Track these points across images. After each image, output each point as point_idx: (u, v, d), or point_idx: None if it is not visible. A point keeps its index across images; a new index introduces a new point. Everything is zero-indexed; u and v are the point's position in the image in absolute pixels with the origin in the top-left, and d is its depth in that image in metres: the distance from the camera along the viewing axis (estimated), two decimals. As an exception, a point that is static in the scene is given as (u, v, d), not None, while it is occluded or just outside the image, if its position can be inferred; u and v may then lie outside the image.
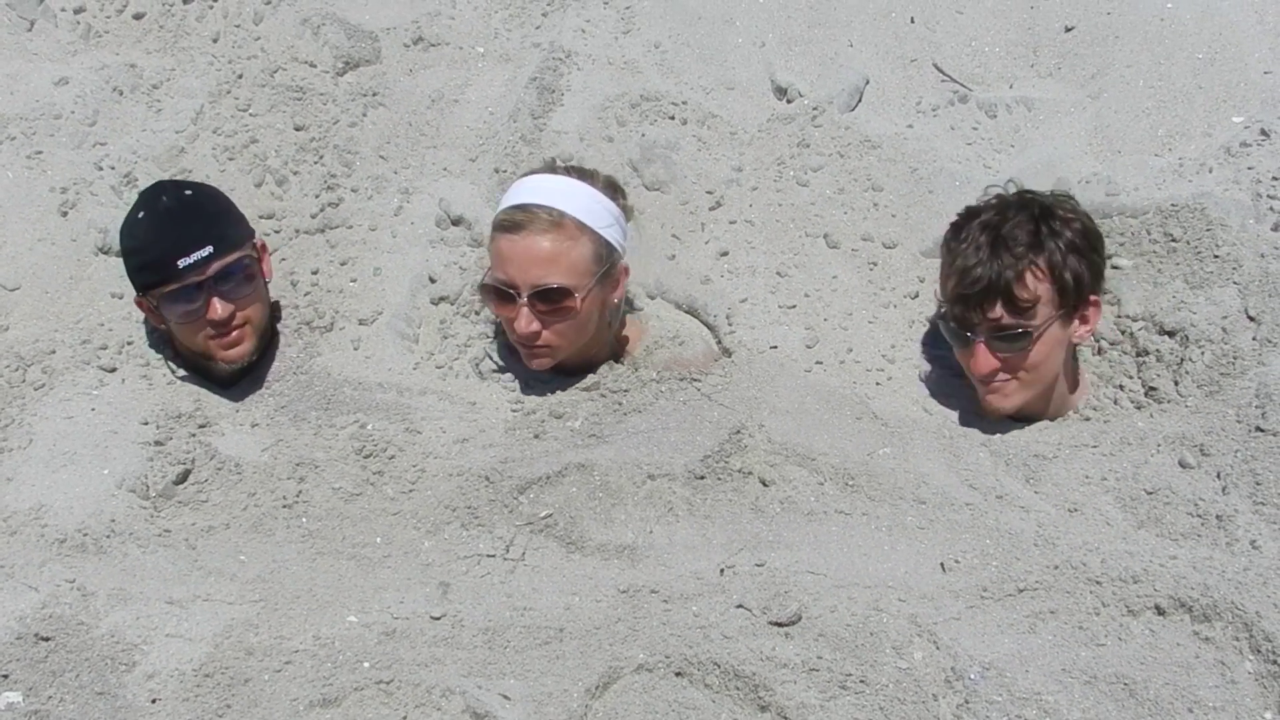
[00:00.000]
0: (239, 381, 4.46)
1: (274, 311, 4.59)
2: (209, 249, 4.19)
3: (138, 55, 5.30)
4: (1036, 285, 4.09)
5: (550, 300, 4.21)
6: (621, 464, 3.86)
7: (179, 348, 4.45)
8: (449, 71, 5.35)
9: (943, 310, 4.27)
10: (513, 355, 4.51)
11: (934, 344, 4.55)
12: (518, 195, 4.29)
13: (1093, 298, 4.22)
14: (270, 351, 4.53)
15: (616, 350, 4.51)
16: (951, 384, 4.48)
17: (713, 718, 3.14)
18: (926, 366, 4.52)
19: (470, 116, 5.19)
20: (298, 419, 4.28)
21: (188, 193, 4.32)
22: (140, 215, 4.28)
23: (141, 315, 4.51)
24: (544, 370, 4.39)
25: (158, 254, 4.21)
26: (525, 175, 4.44)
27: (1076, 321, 4.22)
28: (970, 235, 4.15)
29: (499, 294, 4.26)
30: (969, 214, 4.27)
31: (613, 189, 4.41)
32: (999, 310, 4.09)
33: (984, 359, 4.15)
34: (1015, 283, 4.07)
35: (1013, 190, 4.40)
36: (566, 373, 4.43)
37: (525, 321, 4.22)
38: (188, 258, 4.17)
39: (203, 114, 5.09)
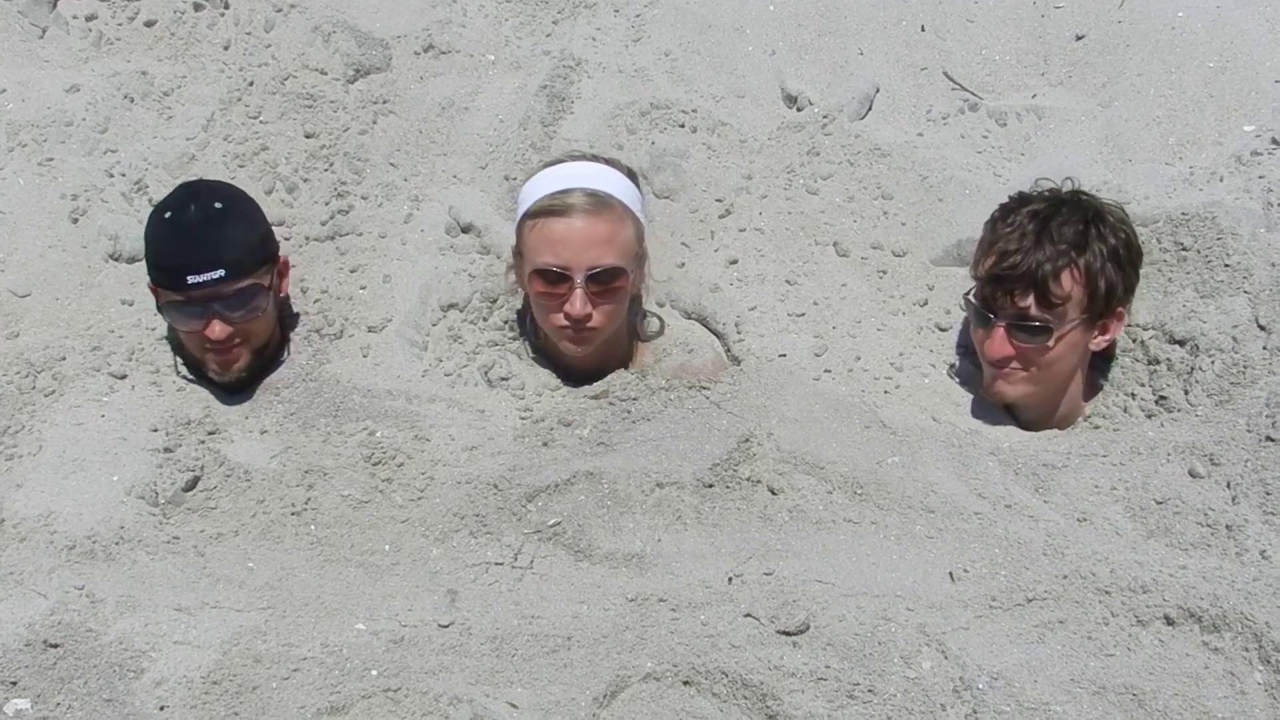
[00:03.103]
0: (244, 390, 4.44)
1: (286, 321, 4.59)
2: (220, 272, 4.17)
3: (149, 62, 5.30)
4: (1071, 285, 4.11)
5: (604, 281, 4.24)
6: (630, 472, 3.86)
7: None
8: (459, 79, 5.35)
9: (974, 290, 4.28)
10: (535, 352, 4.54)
11: (958, 347, 4.58)
12: (557, 181, 4.30)
13: (1119, 310, 4.24)
14: (274, 362, 4.50)
15: (631, 347, 4.55)
16: (961, 391, 4.48)
17: (720, 727, 3.15)
18: (935, 374, 4.52)
19: (480, 124, 5.20)
20: (307, 426, 4.29)
21: (218, 206, 4.27)
22: (166, 215, 4.26)
23: (152, 324, 4.51)
24: (578, 358, 4.40)
25: (169, 263, 4.21)
26: (554, 164, 4.44)
27: (1097, 330, 4.23)
28: (1018, 221, 4.17)
29: (552, 277, 4.24)
30: (1021, 200, 4.29)
31: (631, 175, 4.49)
32: (1029, 300, 4.11)
33: (1000, 344, 4.17)
34: (1052, 278, 4.09)
35: (1069, 187, 4.38)
36: (579, 376, 4.44)
37: (581, 304, 4.22)
38: (197, 276, 4.16)
39: (213, 121, 5.09)
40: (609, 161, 4.48)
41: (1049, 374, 4.23)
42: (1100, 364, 4.45)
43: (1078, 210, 4.19)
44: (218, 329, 4.22)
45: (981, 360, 4.31)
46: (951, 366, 4.53)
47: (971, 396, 4.46)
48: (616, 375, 4.36)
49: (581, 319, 4.25)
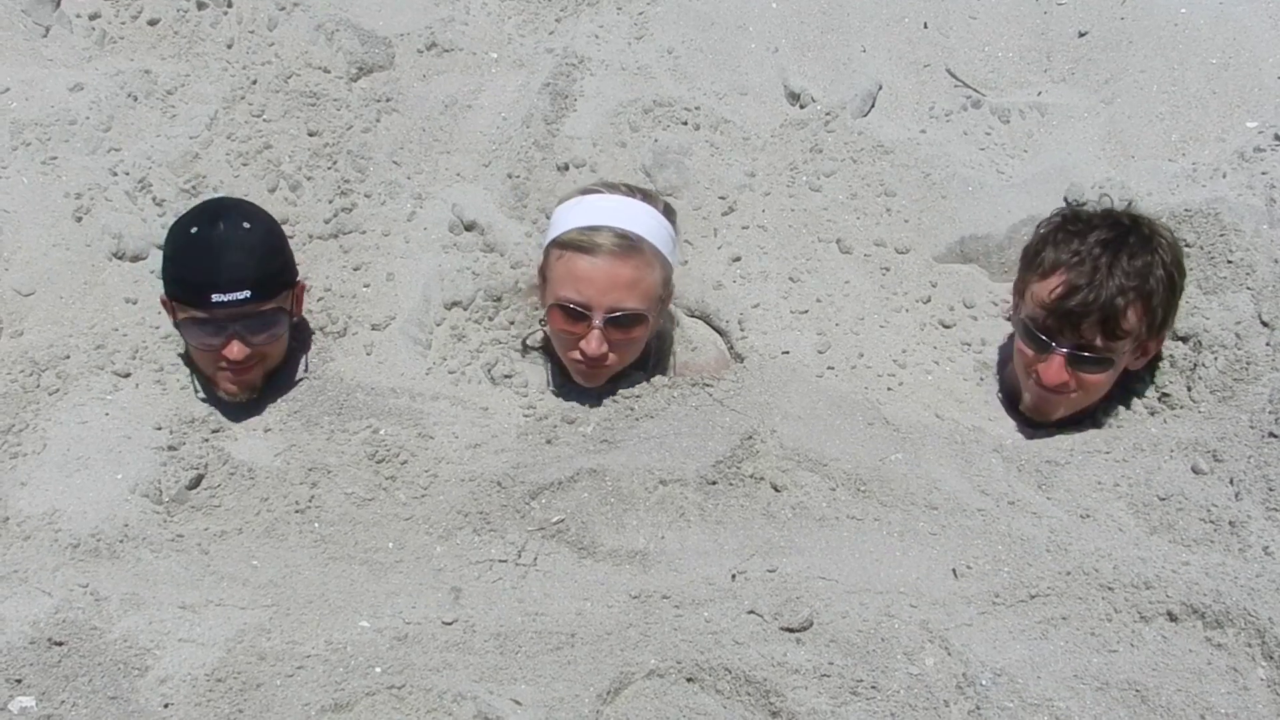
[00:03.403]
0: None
1: (297, 344, 4.56)
2: (246, 294, 4.13)
3: (152, 61, 5.32)
4: (1136, 319, 4.04)
5: (623, 325, 4.19)
6: (633, 469, 3.86)
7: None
8: (462, 77, 5.36)
9: (1029, 312, 4.17)
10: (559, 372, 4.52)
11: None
12: (589, 215, 4.21)
13: (1165, 332, 4.20)
14: (278, 376, 4.48)
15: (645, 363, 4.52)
16: (964, 388, 4.48)
17: (724, 723, 3.15)
18: (938, 370, 4.52)
19: (483, 122, 5.21)
20: (310, 424, 4.29)
21: (246, 226, 4.21)
22: (194, 230, 4.20)
23: (156, 323, 4.52)
24: (590, 386, 4.36)
25: (195, 280, 4.16)
26: (589, 193, 4.34)
27: (1139, 351, 4.18)
28: (1086, 251, 4.05)
29: (571, 314, 4.19)
30: (1081, 222, 4.17)
31: (669, 212, 4.39)
32: (1095, 332, 4.04)
33: (1058, 371, 4.09)
34: (1121, 313, 4.01)
35: (1121, 205, 4.30)
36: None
37: (597, 344, 4.17)
38: (223, 295, 4.12)
39: (217, 120, 5.10)
40: (647, 195, 4.37)
41: (1093, 395, 4.19)
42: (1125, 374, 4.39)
43: (1142, 240, 4.08)
44: (236, 349, 4.19)
45: (1028, 380, 4.22)
46: (1000, 396, 4.49)
47: (974, 393, 4.46)
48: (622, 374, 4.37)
49: (597, 359, 4.21)
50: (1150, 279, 4.03)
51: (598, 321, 4.16)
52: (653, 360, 4.50)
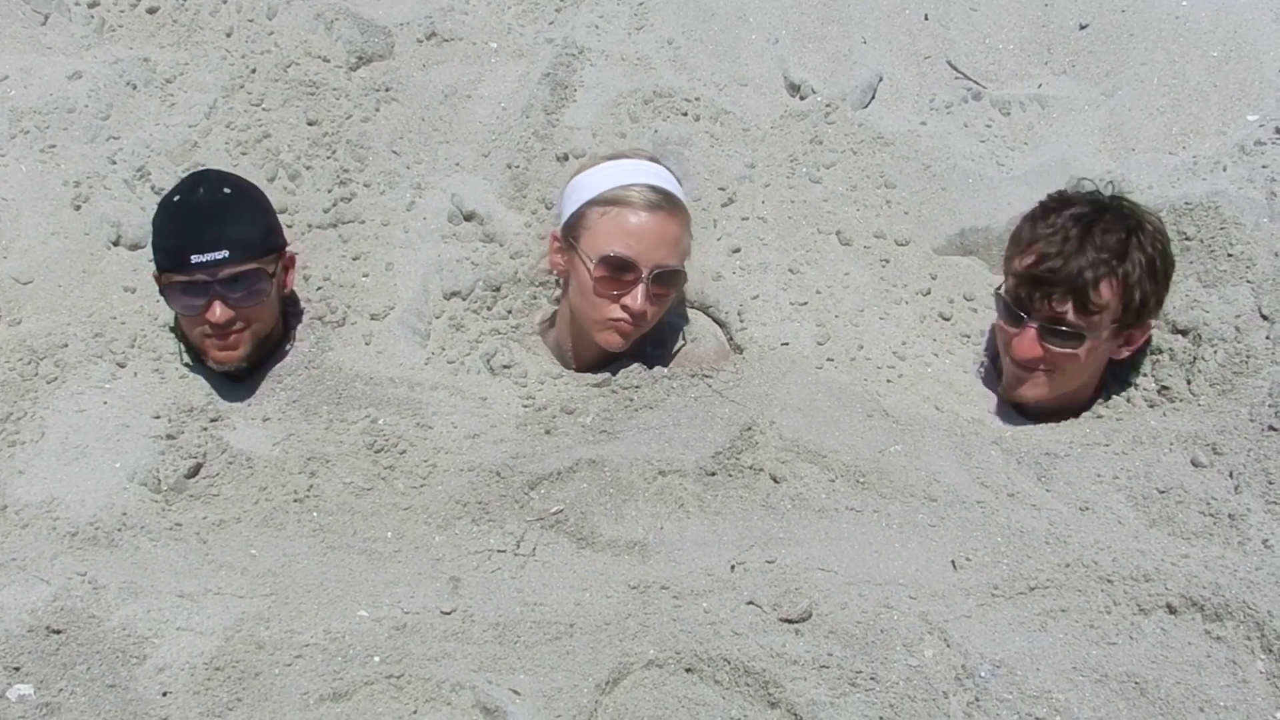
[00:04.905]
0: (242, 381, 4.44)
1: (289, 318, 4.58)
2: (224, 253, 4.17)
3: (151, 49, 5.30)
4: (1109, 295, 4.06)
5: (666, 283, 4.26)
6: (632, 460, 3.86)
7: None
8: (462, 67, 5.35)
9: (1006, 286, 4.22)
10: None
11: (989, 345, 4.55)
12: (630, 174, 4.29)
13: (1147, 321, 4.20)
14: (275, 353, 4.49)
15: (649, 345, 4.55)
16: (964, 380, 4.48)
17: (723, 714, 3.14)
18: (938, 363, 4.51)
19: (483, 112, 5.19)
20: (309, 413, 4.28)
21: (226, 190, 4.29)
22: (175, 199, 4.28)
23: (154, 312, 4.51)
24: (616, 349, 4.37)
25: (175, 243, 4.21)
26: (618, 158, 4.43)
27: (1122, 339, 4.20)
28: (1060, 223, 4.10)
29: (621, 267, 4.22)
30: (1062, 200, 4.22)
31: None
32: (1066, 306, 4.06)
33: (1030, 345, 4.13)
34: (1091, 286, 4.03)
35: (1110, 190, 4.32)
36: (589, 367, 4.47)
37: (643, 299, 4.22)
38: (201, 255, 4.16)
39: (216, 108, 5.09)
40: (664, 165, 4.48)
41: (1070, 379, 4.20)
42: (1116, 367, 4.40)
43: (1120, 218, 4.11)
44: (218, 311, 4.20)
45: (1004, 357, 4.27)
46: (981, 365, 4.51)
47: (973, 385, 4.46)
48: (620, 363, 4.36)
49: (639, 314, 4.24)
50: (1127, 259, 4.05)
51: (645, 275, 4.21)
52: (669, 348, 4.53)
